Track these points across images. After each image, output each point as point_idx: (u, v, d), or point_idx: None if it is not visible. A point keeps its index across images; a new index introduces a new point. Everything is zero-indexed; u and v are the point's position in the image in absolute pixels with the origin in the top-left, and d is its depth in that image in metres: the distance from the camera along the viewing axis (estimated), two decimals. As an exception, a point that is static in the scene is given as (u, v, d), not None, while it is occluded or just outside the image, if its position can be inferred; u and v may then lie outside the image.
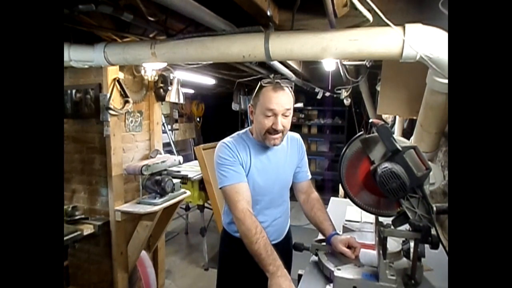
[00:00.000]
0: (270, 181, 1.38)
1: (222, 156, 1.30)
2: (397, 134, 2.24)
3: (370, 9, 1.18)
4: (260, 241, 1.12)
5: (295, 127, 6.38)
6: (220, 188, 1.29)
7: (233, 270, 1.49)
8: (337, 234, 1.27)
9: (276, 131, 1.25)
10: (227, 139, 1.37)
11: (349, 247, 1.19)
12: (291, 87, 1.31)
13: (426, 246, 1.03)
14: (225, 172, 1.27)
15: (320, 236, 1.37)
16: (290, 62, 2.84)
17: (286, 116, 1.27)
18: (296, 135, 1.50)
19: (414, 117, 1.75)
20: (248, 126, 1.38)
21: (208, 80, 4.10)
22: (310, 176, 1.54)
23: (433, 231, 1.00)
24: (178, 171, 3.29)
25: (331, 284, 1.00)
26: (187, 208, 4.13)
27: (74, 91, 2.23)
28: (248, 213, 1.19)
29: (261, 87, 1.28)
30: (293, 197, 1.53)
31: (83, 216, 2.23)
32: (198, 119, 7.13)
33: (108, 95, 2.10)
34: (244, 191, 1.25)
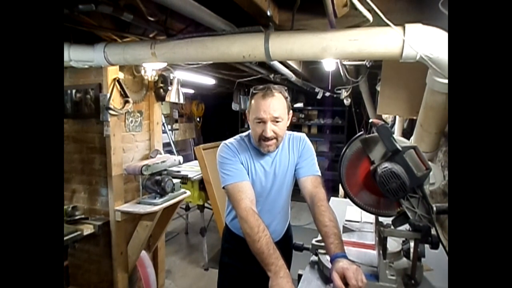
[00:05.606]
0: (268, 185, 1.39)
1: (223, 156, 1.32)
2: (397, 134, 2.23)
3: (370, 9, 1.18)
4: (263, 240, 1.10)
5: (295, 127, 6.37)
6: (223, 188, 1.29)
7: (232, 264, 1.52)
8: (339, 256, 1.05)
9: (267, 138, 1.26)
10: (229, 140, 1.38)
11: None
12: (285, 90, 1.30)
13: (426, 246, 1.03)
14: (227, 171, 1.28)
15: (320, 236, 1.37)
16: (290, 62, 2.83)
17: (277, 122, 1.26)
18: (300, 135, 1.47)
19: (414, 117, 1.75)
20: (249, 126, 1.38)
21: (208, 80, 4.10)
22: (314, 173, 1.41)
23: (433, 231, 1.00)
24: (178, 171, 3.29)
25: (331, 284, 0.99)
26: (187, 208, 4.13)
27: (74, 91, 2.23)
28: (251, 212, 1.18)
29: (253, 94, 1.28)
30: (293, 196, 1.52)
31: (83, 216, 2.24)
32: (198, 119, 7.13)
33: (108, 95, 2.10)
34: (246, 189, 1.25)
